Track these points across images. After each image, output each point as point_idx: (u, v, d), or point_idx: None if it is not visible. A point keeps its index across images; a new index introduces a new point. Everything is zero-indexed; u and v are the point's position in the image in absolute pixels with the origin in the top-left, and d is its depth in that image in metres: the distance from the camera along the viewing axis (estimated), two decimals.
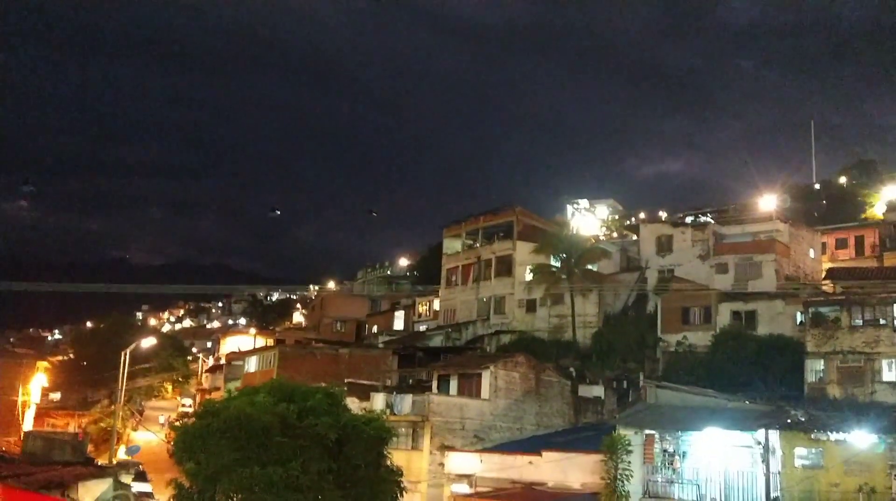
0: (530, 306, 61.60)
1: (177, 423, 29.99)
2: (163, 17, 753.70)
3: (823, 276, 53.15)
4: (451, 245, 72.13)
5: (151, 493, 42.10)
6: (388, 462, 26.06)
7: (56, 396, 76.58)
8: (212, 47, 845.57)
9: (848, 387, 38.25)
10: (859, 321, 39.22)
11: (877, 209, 75.73)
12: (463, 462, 38.19)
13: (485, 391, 41.48)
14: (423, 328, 71.59)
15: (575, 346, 54.92)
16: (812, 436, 29.45)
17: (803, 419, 30.83)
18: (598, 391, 46.76)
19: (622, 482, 31.97)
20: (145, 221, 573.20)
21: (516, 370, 43.11)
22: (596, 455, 33.04)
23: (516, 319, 61.95)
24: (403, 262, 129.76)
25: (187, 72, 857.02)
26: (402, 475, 26.53)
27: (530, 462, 35.43)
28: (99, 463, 42.17)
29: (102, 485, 29.81)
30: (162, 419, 71.63)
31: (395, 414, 38.12)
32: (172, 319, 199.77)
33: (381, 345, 65.87)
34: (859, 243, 61.65)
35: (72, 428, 60.40)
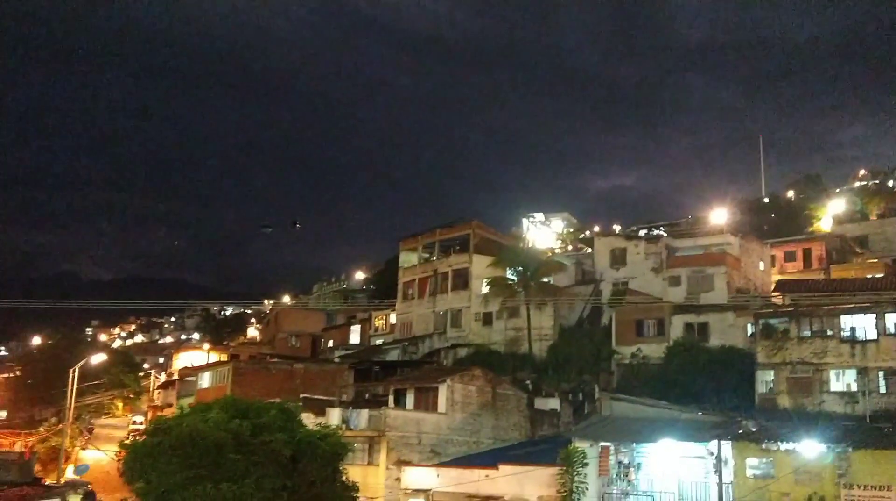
0: (487, 320, 61.69)
1: (127, 441, 29.44)
2: (110, 28, 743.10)
3: (773, 288, 54.11)
4: (408, 258, 72.00)
5: None
6: (344, 478, 25.93)
7: (1, 414, 74.53)
8: (171, 62, 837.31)
9: (797, 397, 38.88)
10: (808, 333, 39.89)
11: (823, 223, 77.68)
12: (420, 476, 38.00)
13: (441, 404, 41.35)
14: (379, 342, 71.19)
15: (531, 359, 55.08)
16: (763, 446, 29.92)
17: (754, 430, 31.35)
18: (554, 403, 46.91)
19: (578, 494, 32.09)
20: (96, 235, 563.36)
21: (473, 384, 43.07)
22: (552, 468, 33.12)
23: (473, 332, 61.98)
24: (360, 275, 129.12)
25: (142, 86, 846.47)
26: (358, 490, 26.45)
27: (487, 476, 35.33)
28: (46, 483, 41.24)
29: None
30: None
31: (351, 429, 37.87)
32: (123, 334, 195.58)
33: (336, 360, 65.27)
34: (807, 255, 62.92)
35: (18, 448, 58.73)
